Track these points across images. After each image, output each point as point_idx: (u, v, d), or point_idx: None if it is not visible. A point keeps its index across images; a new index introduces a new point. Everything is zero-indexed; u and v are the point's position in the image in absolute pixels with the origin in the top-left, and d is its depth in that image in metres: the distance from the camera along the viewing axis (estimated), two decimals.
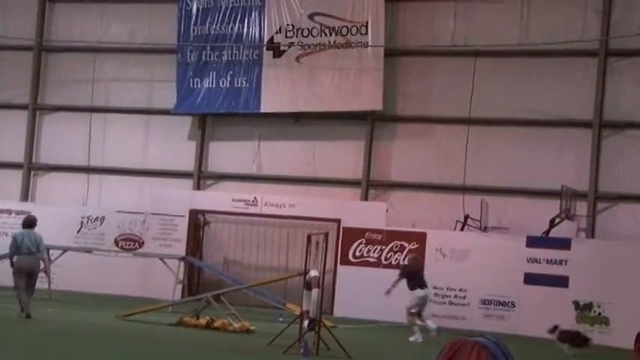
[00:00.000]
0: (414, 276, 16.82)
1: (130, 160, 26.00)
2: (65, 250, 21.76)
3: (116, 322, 15.45)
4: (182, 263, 21.86)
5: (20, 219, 24.13)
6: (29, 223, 15.53)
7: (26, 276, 14.98)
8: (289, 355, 11.88)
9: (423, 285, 16.77)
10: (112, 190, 25.98)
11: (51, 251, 21.17)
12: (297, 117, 24.51)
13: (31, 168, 27.01)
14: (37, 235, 15.35)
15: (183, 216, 23.67)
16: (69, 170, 26.64)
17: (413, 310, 16.48)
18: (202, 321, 15.50)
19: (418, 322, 16.45)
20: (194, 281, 23.89)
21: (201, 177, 25.56)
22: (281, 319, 16.90)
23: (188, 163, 25.57)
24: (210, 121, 25.66)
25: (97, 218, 24.47)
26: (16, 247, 15.00)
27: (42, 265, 15.61)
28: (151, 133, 26.15)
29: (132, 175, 25.99)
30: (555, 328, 16.31)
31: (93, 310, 17.90)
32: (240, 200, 23.50)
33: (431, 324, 16.54)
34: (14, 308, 15.20)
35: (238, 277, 21.72)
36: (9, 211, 25.06)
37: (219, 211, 23.91)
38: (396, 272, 17.52)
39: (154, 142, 26.03)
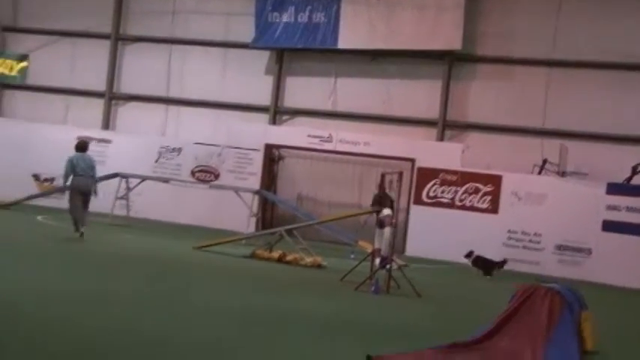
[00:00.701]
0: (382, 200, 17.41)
1: (208, 93, 26.25)
2: (144, 179, 22.22)
3: (191, 251, 15.78)
4: (256, 197, 22.11)
5: (102, 147, 24.86)
6: (83, 146, 16.26)
7: (81, 195, 15.68)
8: (360, 292, 11.97)
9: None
10: (190, 121, 26.33)
11: (130, 179, 21.70)
12: (374, 55, 24.27)
13: (111, 97, 27.52)
14: (90, 157, 16.16)
15: (258, 150, 23.85)
16: (148, 100, 27.05)
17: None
18: (275, 254, 15.70)
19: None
20: (267, 215, 24.18)
21: (277, 112, 25.66)
22: (352, 256, 17.00)
23: (264, 98, 25.66)
24: (288, 55, 25.62)
25: (174, 149, 24.86)
26: (72, 168, 15.69)
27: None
28: (229, 66, 26.27)
29: (209, 108, 26.26)
30: (471, 253, 17.32)
31: (168, 239, 18.31)
32: (314, 136, 23.52)
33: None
34: (90, 233, 15.67)
35: (311, 213, 21.89)
36: (90, 139, 25.60)
37: (294, 146, 24.01)
38: (468, 214, 17.52)
39: (232, 75, 26.17)
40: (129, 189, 21.79)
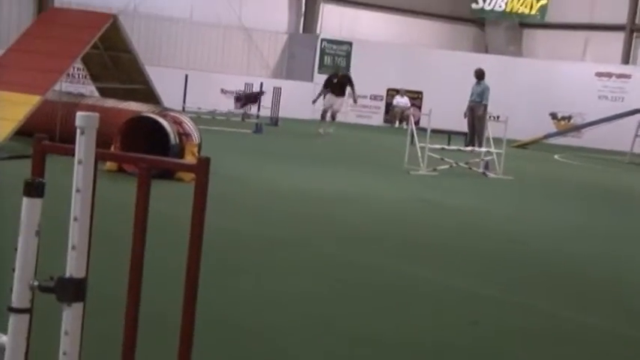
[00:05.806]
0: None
1: None
2: None
3: None
4: None
5: (621, 82, 24.00)
6: (481, 74, 17.35)
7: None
8: None
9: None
10: None
11: None
12: None
13: (633, 30, 26.22)
14: (484, 85, 17.27)
15: None
16: None
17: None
18: None
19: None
20: None
21: None
22: None
23: None
24: None
25: None
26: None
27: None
28: None
29: None
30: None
31: None
32: None
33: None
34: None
35: None
36: (609, 75, 24.83)
37: None
38: None
39: None
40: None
